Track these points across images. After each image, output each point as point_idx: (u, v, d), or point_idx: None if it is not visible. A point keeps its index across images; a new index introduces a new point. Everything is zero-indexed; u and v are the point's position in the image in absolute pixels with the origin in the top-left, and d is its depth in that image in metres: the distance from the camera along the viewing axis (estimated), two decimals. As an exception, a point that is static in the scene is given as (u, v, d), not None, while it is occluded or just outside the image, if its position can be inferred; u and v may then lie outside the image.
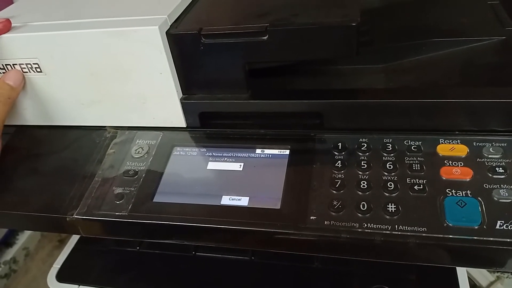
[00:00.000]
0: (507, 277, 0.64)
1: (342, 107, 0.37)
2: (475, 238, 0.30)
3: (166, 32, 0.37)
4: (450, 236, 0.30)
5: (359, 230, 0.32)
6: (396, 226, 0.31)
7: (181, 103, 0.40)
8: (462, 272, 0.41)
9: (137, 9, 0.40)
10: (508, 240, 0.29)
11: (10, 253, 0.99)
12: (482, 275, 0.66)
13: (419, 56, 0.42)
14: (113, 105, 0.42)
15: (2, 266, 0.96)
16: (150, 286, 0.44)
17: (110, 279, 0.46)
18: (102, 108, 0.43)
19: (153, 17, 0.37)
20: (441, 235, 0.30)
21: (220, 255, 0.46)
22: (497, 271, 0.65)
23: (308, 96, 0.38)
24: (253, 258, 0.44)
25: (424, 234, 0.30)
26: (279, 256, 0.44)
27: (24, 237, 1.04)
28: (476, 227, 0.30)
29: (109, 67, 0.39)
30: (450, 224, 0.31)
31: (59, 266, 0.49)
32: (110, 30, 0.37)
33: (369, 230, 0.31)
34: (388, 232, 0.31)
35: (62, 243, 1.06)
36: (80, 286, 0.46)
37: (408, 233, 0.31)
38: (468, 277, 0.62)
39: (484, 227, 0.30)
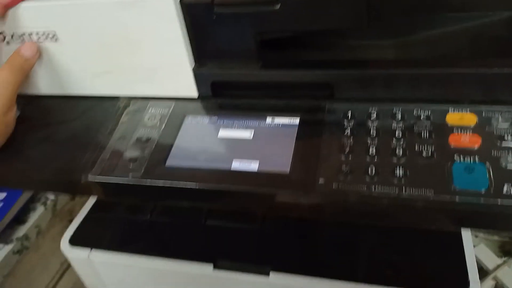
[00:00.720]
0: (512, 260, 0.64)
1: (353, 77, 0.38)
2: (482, 201, 0.30)
3: (180, 2, 0.38)
4: (457, 199, 0.30)
5: (367, 192, 0.32)
6: (404, 189, 0.32)
7: (194, 72, 0.41)
8: (470, 254, 0.42)
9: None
10: (515, 202, 0.30)
11: (22, 230, 1.01)
12: (489, 258, 0.67)
13: (430, 31, 0.42)
14: (126, 75, 0.43)
15: (15, 242, 0.98)
16: (161, 253, 0.45)
17: (121, 245, 0.47)
18: (115, 78, 0.44)
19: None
20: (448, 198, 0.31)
21: (229, 224, 0.47)
22: (504, 256, 0.65)
23: (318, 67, 0.38)
24: (262, 227, 0.45)
25: (431, 197, 0.31)
26: (287, 226, 0.45)
27: (36, 215, 1.06)
28: (483, 191, 0.31)
29: (122, 38, 0.40)
30: (457, 188, 0.31)
31: (72, 232, 0.50)
32: (124, 1, 0.38)
33: (377, 193, 0.32)
34: (395, 194, 0.32)
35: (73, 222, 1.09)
36: (92, 250, 0.47)
37: (416, 196, 0.31)
38: (476, 260, 0.62)
39: (491, 191, 0.30)
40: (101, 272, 0.49)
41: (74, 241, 0.48)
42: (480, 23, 0.39)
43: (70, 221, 1.16)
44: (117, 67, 0.43)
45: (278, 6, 0.36)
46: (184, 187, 0.36)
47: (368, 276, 0.40)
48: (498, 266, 0.65)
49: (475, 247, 0.64)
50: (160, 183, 0.37)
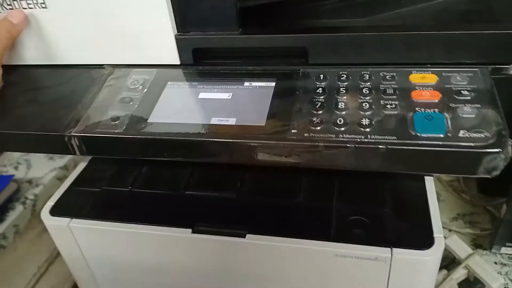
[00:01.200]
0: (484, 252, 0.67)
1: (325, 41, 0.41)
2: (441, 143, 0.33)
3: (163, -34, 0.40)
4: (419, 142, 0.33)
5: (335, 139, 0.34)
6: (369, 135, 0.34)
7: (176, 39, 0.43)
8: (434, 211, 0.44)
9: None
10: (471, 144, 0.32)
11: (0, 229, 1.00)
12: (461, 248, 0.69)
13: (399, 9, 0.46)
14: (111, 42, 0.45)
15: (-8, 240, 0.97)
16: (140, 220, 0.46)
17: (101, 214, 0.48)
18: (101, 47, 0.46)
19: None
20: (410, 142, 0.33)
21: (208, 193, 0.48)
22: (475, 246, 0.68)
23: (294, 32, 0.41)
24: (239, 195, 0.47)
25: (394, 141, 0.33)
26: (262, 193, 0.47)
27: (15, 214, 1.05)
28: (442, 135, 0.33)
29: (109, 4, 0.42)
30: (418, 133, 0.34)
31: (53, 203, 0.51)
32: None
33: (344, 139, 0.34)
34: (361, 139, 0.34)
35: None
36: (73, 219, 0.48)
37: (380, 141, 0.34)
38: (448, 251, 0.65)
39: (449, 135, 0.33)
40: (79, 241, 0.50)
41: (55, 211, 0.49)
42: (445, 2, 0.43)
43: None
44: (103, 34, 0.44)
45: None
46: (165, 138, 0.38)
47: (337, 234, 0.42)
48: (470, 256, 0.68)
49: (447, 238, 0.67)
50: (142, 136, 0.38)
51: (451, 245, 0.69)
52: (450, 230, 0.71)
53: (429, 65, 0.39)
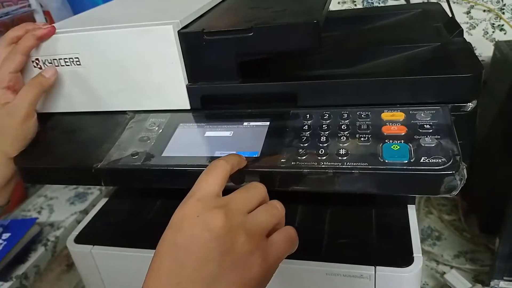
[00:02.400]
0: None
1: (312, 87, 0.49)
2: (404, 167, 0.39)
3: (178, 31, 0.49)
4: (386, 167, 0.40)
5: (317, 166, 0.41)
6: (345, 163, 0.41)
7: (187, 88, 0.52)
8: (414, 230, 0.50)
9: (159, 15, 0.53)
10: (430, 167, 0.39)
11: (22, 269, 1.06)
12: (461, 282, 0.72)
13: (374, 60, 0.54)
14: (134, 92, 0.54)
15: (14, 280, 1.03)
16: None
17: (121, 241, 0.54)
18: (126, 95, 0.54)
19: (169, 21, 0.50)
20: (378, 167, 0.40)
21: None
22: (476, 282, 0.71)
23: (285, 79, 0.49)
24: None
25: (365, 167, 0.40)
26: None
27: (36, 255, 1.11)
28: (405, 161, 0.40)
29: (134, 60, 0.52)
30: (385, 160, 0.40)
31: (77, 232, 0.58)
32: (135, 29, 0.50)
33: (324, 166, 0.41)
34: (338, 166, 0.41)
35: (70, 268, 1.14)
36: (94, 246, 0.55)
37: (354, 167, 0.40)
38: (448, 286, 0.68)
39: (412, 161, 0.40)
40: (100, 266, 0.56)
41: (79, 240, 0.56)
42: (413, 54, 0.51)
43: (68, 266, 1.21)
44: (129, 85, 0.53)
45: (251, 33, 0.48)
46: (176, 169, 0.45)
47: (328, 255, 0.48)
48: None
49: (447, 273, 0.71)
50: (157, 167, 0.46)
51: (450, 280, 0.73)
52: (452, 267, 0.74)
53: (398, 105, 0.47)
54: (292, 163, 0.42)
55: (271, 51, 0.49)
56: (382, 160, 0.40)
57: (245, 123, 0.50)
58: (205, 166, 0.44)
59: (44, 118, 0.57)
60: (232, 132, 0.49)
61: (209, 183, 0.38)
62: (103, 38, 0.51)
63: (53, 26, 0.53)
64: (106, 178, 0.48)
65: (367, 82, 0.47)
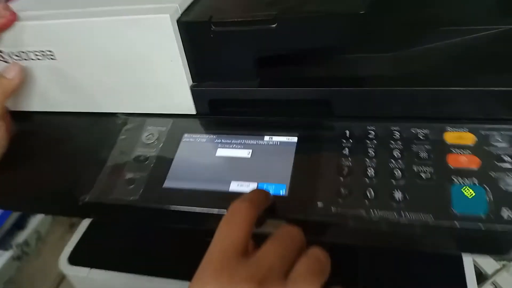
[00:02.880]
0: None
1: (350, 95, 0.38)
2: (481, 226, 0.30)
3: (177, 20, 0.37)
4: (457, 223, 0.30)
5: (366, 217, 0.32)
6: (402, 213, 0.32)
7: (191, 90, 0.41)
8: (468, 261, 0.42)
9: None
10: (514, 227, 0.30)
11: (22, 236, 1.01)
12: (488, 263, 0.67)
13: (427, 45, 0.42)
14: (125, 92, 0.43)
15: (15, 248, 0.98)
16: (160, 271, 0.45)
17: (120, 263, 0.47)
18: (114, 95, 0.43)
19: (165, 5, 0.38)
20: (448, 223, 0.31)
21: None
22: (503, 259, 0.65)
23: (316, 84, 0.38)
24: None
25: (430, 222, 0.31)
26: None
27: (36, 220, 1.06)
28: (482, 215, 0.30)
29: (122, 55, 0.40)
30: (456, 212, 0.31)
31: (70, 250, 0.50)
32: (123, 18, 0.38)
33: (376, 217, 0.32)
34: (394, 219, 0.32)
35: (73, 227, 1.08)
36: (92, 269, 0.47)
37: (414, 221, 0.31)
38: (474, 265, 0.62)
39: (490, 215, 0.30)
40: None
41: (73, 260, 0.48)
42: (478, 40, 0.39)
43: (71, 225, 1.16)
44: (116, 84, 0.42)
45: (275, 25, 0.36)
46: (181, 210, 0.36)
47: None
48: (497, 271, 0.65)
49: None
50: (158, 205, 0.37)
51: (477, 260, 0.67)
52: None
53: (464, 120, 0.36)
54: (332, 209, 0.33)
55: (299, 47, 0.37)
56: (452, 212, 0.31)
57: (267, 138, 0.40)
58: (219, 204, 0.35)
59: (22, 117, 0.46)
60: (251, 151, 0.39)
61: (233, 237, 0.29)
62: (81, 29, 0.39)
63: (13, 12, 0.40)
64: (96, 213, 0.39)
65: (422, 92, 0.36)
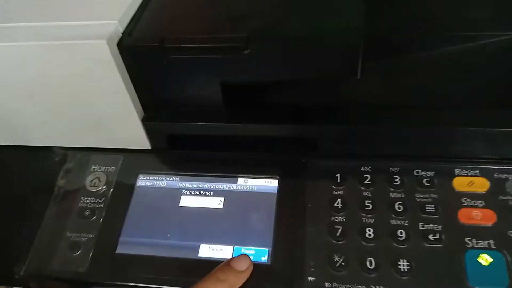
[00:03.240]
0: None
1: (339, 132, 0.31)
2: (503, 305, 0.25)
3: (117, 45, 0.28)
4: (474, 304, 0.26)
5: (366, 295, 0.27)
6: (409, 288, 0.27)
7: (144, 124, 0.33)
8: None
9: (82, 8, 0.31)
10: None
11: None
12: None
13: (425, 53, 0.35)
14: (61, 126, 0.34)
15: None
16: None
17: None
18: (49, 129, 0.35)
19: (101, 22, 0.29)
20: (463, 302, 0.26)
21: None
22: None
23: (298, 119, 0.31)
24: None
25: (443, 302, 0.26)
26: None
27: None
28: (502, 290, 0.26)
29: (52, 86, 0.31)
30: (473, 287, 0.26)
31: None
32: (48, 44, 0.28)
33: (378, 296, 0.27)
34: (400, 297, 0.26)
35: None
36: None
37: (424, 299, 0.26)
38: None
39: (512, 289, 0.26)
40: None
41: None
42: (483, 48, 0.32)
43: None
44: (49, 117, 0.33)
45: (247, 52, 0.27)
46: (140, 285, 0.29)
47: None
48: None
49: None
50: (111, 280, 0.30)
51: None
52: None
53: (474, 160, 0.31)
54: (326, 284, 0.27)
55: (278, 78, 0.30)
56: (467, 287, 0.26)
57: (241, 181, 0.33)
58: (185, 277, 0.29)
59: None
60: (223, 199, 0.32)
61: None
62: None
63: None
64: (37, 285, 0.32)
65: (426, 130, 0.30)
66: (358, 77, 0.27)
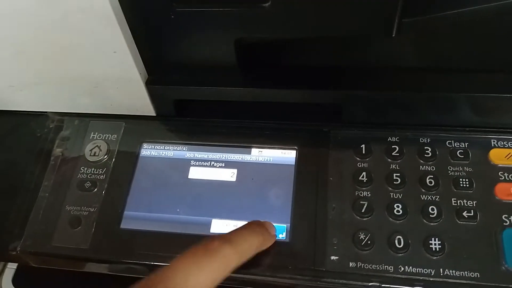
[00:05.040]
0: None
1: (366, 98, 0.28)
2: (543, 288, 0.23)
3: (118, -4, 0.25)
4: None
5: (393, 276, 0.25)
6: (441, 270, 0.24)
7: (148, 88, 0.30)
8: None
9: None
10: None
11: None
12: None
13: (461, 8, 0.32)
14: (56, 88, 0.31)
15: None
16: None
17: (72, 284, 0.38)
18: (41, 92, 0.31)
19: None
20: (500, 285, 0.24)
21: None
22: None
23: (321, 83, 0.28)
24: None
25: (476, 283, 0.24)
26: None
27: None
28: (543, 273, 0.24)
29: (43, 42, 0.27)
30: (511, 269, 0.24)
31: (14, 268, 0.41)
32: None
33: (407, 276, 0.25)
34: (430, 278, 0.24)
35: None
36: (41, 292, 0.39)
37: (457, 280, 0.24)
38: None
39: (554, 272, 0.24)
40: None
41: (18, 281, 0.39)
42: None
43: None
44: (42, 79, 0.30)
45: (268, 4, 0.24)
46: (147, 263, 0.27)
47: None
48: None
49: None
50: (116, 257, 0.27)
51: None
52: None
53: (513, 129, 0.28)
54: (350, 264, 0.25)
55: (302, 35, 0.26)
56: (504, 269, 0.24)
57: (255, 152, 0.30)
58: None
59: None
60: (235, 172, 0.29)
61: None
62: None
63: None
64: (36, 263, 0.29)
65: (460, 96, 0.27)
66: (393, 35, 0.24)
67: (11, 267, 0.42)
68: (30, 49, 0.28)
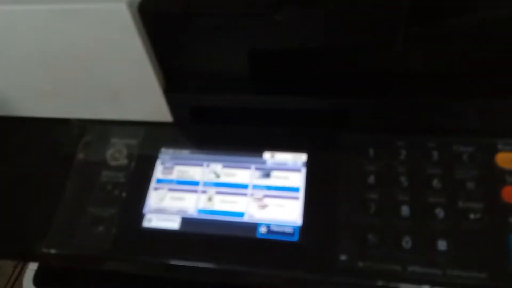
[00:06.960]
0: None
1: (374, 104, 0.29)
2: (549, 288, 0.24)
3: (138, 9, 0.26)
4: (517, 285, 0.24)
5: (401, 275, 0.25)
6: (449, 270, 0.25)
7: (166, 96, 0.31)
8: None
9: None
10: None
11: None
12: None
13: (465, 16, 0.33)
14: (78, 97, 0.33)
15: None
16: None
17: (92, 284, 0.40)
18: (65, 100, 0.33)
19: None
20: (507, 286, 0.24)
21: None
22: None
23: (329, 90, 0.29)
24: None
25: (483, 284, 0.25)
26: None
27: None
28: (549, 273, 0.24)
29: (67, 53, 0.29)
30: (516, 269, 0.25)
31: (35, 269, 0.43)
32: (62, 8, 0.26)
33: (415, 276, 0.25)
34: (438, 279, 0.25)
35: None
36: (63, 292, 0.41)
37: (464, 281, 0.25)
38: None
39: (559, 273, 0.24)
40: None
41: (39, 281, 0.41)
42: None
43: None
44: (64, 88, 0.32)
45: (279, 17, 0.25)
46: (169, 262, 0.28)
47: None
48: None
49: None
50: (138, 255, 0.29)
51: None
52: None
53: (520, 134, 0.29)
54: (360, 264, 0.26)
55: (311, 45, 0.28)
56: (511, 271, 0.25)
57: (266, 156, 0.31)
58: (216, 255, 0.28)
59: None
60: (248, 174, 0.31)
61: None
62: (8, 19, 0.28)
63: None
64: (59, 263, 0.31)
65: (465, 103, 0.28)
66: (397, 47, 0.25)
67: (32, 267, 0.44)
68: (54, 61, 0.30)
